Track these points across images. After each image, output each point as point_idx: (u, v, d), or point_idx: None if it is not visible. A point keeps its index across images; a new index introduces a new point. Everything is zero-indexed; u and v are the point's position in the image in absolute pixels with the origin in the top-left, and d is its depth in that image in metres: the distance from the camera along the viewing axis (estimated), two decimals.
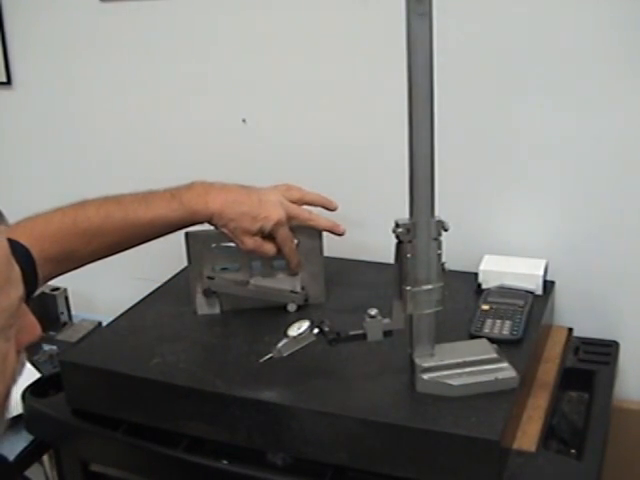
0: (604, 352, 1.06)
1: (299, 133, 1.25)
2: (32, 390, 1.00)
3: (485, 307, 0.99)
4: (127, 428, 0.92)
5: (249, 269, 1.04)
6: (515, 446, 0.83)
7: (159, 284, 1.15)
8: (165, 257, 1.22)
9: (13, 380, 0.58)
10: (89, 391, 0.95)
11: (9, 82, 1.45)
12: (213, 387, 0.86)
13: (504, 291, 1.03)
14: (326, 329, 0.84)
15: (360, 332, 0.84)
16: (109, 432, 0.92)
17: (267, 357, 0.84)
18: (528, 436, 0.85)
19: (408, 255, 0.79)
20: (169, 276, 1.17)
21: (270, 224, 0.96)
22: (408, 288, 0.80)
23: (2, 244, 0.54)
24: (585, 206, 1.10)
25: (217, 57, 1.27)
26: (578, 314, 1.12)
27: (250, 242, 0.97)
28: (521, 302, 0.99)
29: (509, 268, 1.07)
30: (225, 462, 0.87)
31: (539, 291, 1.04)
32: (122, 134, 1.40)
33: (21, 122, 1.48)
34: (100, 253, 0.95)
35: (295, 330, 0.83)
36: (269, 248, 0.98)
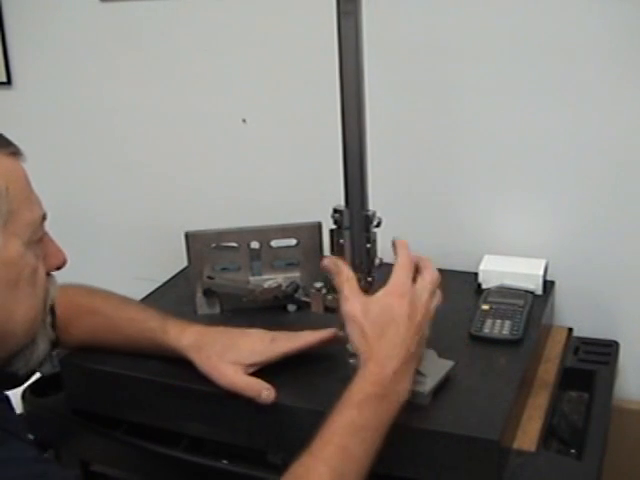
0: (604, 352, 1.06)
1: (298, 133, 1.25)
2: (32, 390, 1.00)
3: (485, 307, 0.99)
4: (127, 428, 0.92)
5: (249, 269, 1.04)
6: (515, 446, 0.83)
7: (159, 284, 1.15)
8: (165, 257, 1.23)
9: (46, 298, 0.67)
10: (89, 391, 0.95)
11: (9, 82, 1.45)
12: (213, 387, 0.86)
13: (504, 291, 1.03)
14: (288, 289, 0.96)
15: (307, 300, 0.90)
16: (109, 432, 0.92)
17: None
18: (528, 436, 0.85)
19: (341, 241, 0.82)
20: (169, 276, 1.17)
21: None
22: None
23: (21, 168, 0.65)
24: (585, 206, 1.10)
25: (217, 57, 1.27)
26: (578, 314, 1.13)
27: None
28: (521, 302, 0.99)
29: (509, 268, 1.07)
30: (225, 462, 0.87)
31: (539, 291, 1.04)
32: (122, 134, 1.40)
33: (21, 122, 1.47)
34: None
35: (268, 283, 0.98)
36: None
